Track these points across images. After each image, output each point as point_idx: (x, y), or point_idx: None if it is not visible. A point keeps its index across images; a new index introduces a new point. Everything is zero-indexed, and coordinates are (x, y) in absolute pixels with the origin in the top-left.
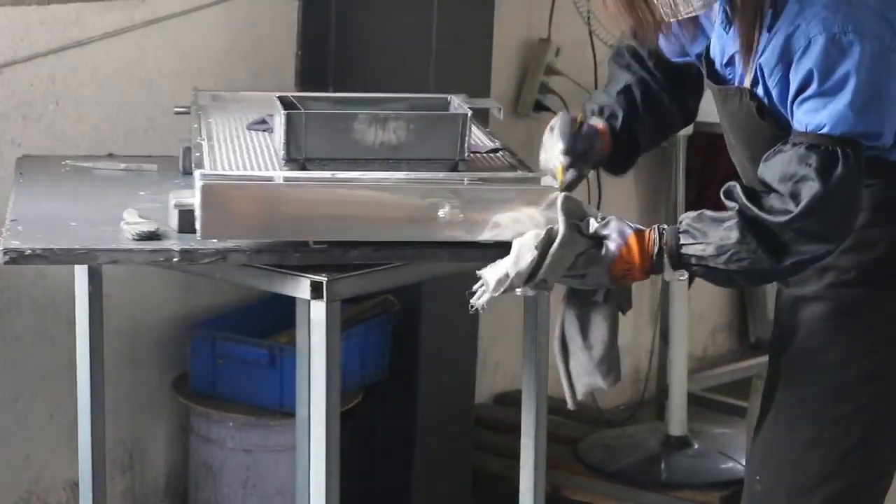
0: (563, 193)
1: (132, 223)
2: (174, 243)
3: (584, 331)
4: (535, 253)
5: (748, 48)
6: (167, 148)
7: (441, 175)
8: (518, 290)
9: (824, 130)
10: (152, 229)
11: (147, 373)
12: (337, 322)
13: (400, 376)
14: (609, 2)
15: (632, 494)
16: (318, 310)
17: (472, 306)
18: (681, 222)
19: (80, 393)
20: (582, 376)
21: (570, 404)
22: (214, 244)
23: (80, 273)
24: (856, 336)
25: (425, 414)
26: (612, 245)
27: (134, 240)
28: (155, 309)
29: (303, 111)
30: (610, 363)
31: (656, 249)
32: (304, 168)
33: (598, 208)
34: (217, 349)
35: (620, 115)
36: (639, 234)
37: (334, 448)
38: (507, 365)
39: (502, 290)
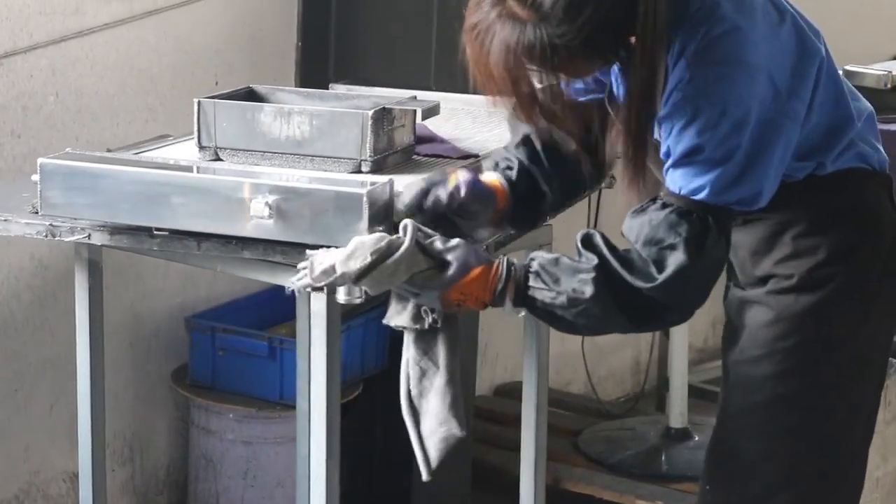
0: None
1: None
2: (52, 219)
3: (428, 373)
4: (368, 259)
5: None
6: None
7: (265, 170)
8: (340, 291)
9: (700, 196)
10: None
11: (147, 364)
12: (337, 314)
13: (400, 368)
14: (493, 88)
15: (632, 486)
16: (319, 301)
17: (287, 287)
18: (532, 260)
19: (80, 384)
20: (435, 432)
21: (425, 475)
22: (81, 222)
23: (80, 265)
24: (799, 345)
25: None
26: (450, 272)
27: (30, 212)
28: (155, 300)
29: (213, 100)
30: (459, 406)
31: (500, 286)
32: (216, 157)
33: (599, 199)
34: (217, 341)
35: (516, 165)
36: (486, 266)
37: (334, 440)
38: (508, 356)
39: (325, 282)
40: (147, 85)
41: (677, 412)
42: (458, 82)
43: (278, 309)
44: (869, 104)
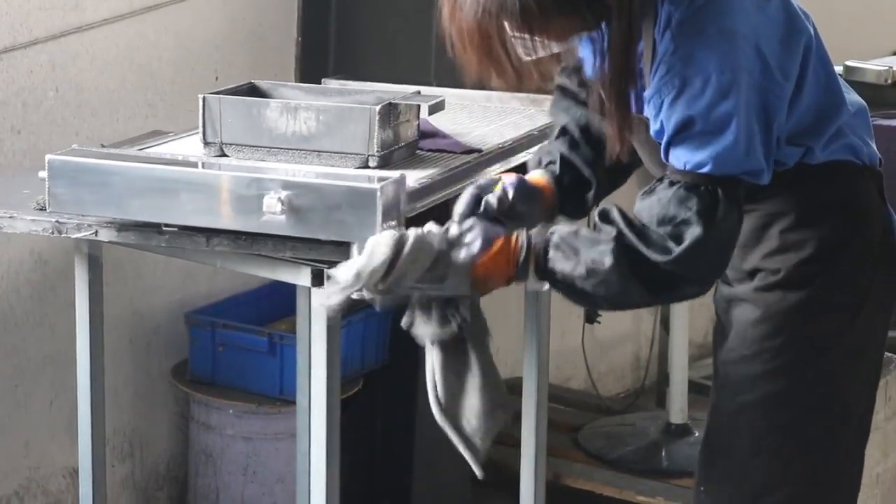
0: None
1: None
2: (58, 215)
3: (462, 374)
4: (388, 252)
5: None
6: None
7: (274, 166)
8: (368, 295)
9: (705, 170)
10: None
11: (147, 360)
12: None
13: (400, 363)
14: (468, 50)
15: (632, 482)
16: (319, 297)
17: (323, 308)
18: (552, 233)
19: (80, 380)
20: (479, 428)
21: (479, 473)
22: (87, 219)
23: (80, 260)
24: (787, 343)
25: (425, 401)
26: (473, 248)
27: (34, 209)
28: (155, 296)
29: (218, 95)
30: (498, 400)
31: (522, 257)
32: (222, 153)
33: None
34: (217, 337)
35: (558, 158)
36: (506, 239)
37: (334, 435)
38: (508, 352)
39: (354, 290)
40: (147, 80)
41: (677, 408)
42: (457, 77)
43: (278, 304)
44: (861, 99)
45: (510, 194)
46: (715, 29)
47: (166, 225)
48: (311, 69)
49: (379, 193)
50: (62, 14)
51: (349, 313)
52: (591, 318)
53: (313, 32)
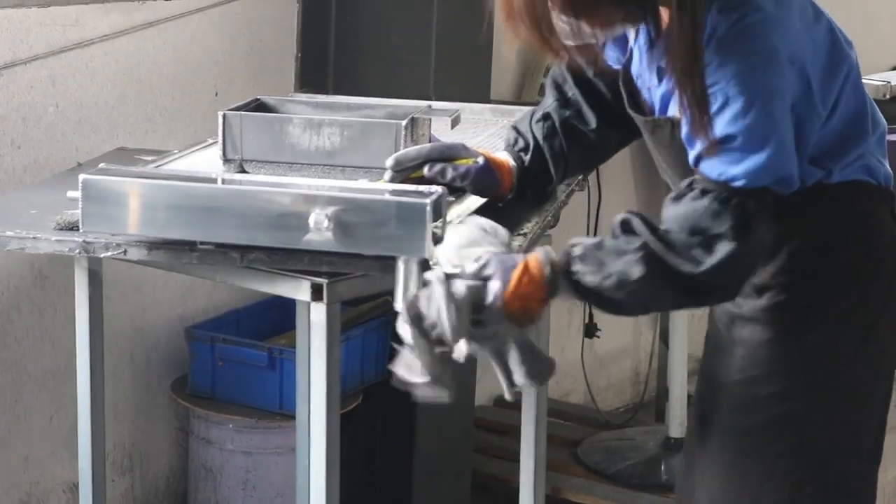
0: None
1: (67, 213)
2: (85, 234)
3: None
4: (438, 313)
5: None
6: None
7: (317, 182)
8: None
9: (738, 184)
10: (74, 220)
11: (147, 375)
12: (337, 324)
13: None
14: (517, 22)
15: (632, 497)
16: (318, 312)
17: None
18: (573, 246)
19: (80, 395)
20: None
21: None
22: (116, 238)
23: (81, 275)
24: (802, 365)
25: (425, 416)
26: (497, 284)
27: (55, 229)
28: (155, 311)
29: (239, 112)
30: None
31: (548, 274)
32: (242, 169)
33: (599, 206)
34: (217, 351)
35: (532, 144)
36: (525, 264)
37: (334, 450)
38: None
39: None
40: (147, 95)
41: (677, 422)
42: (456, 90)
43: (278, 319)
44: (884, 120)
45: (468, 178)
46: (764, 49)
47: (202, 242)
48: (310, 84)
49: (429, 208)
50: (62, 30)
51: (348, 328)
52: (590, 333)
53: (313, 48)
